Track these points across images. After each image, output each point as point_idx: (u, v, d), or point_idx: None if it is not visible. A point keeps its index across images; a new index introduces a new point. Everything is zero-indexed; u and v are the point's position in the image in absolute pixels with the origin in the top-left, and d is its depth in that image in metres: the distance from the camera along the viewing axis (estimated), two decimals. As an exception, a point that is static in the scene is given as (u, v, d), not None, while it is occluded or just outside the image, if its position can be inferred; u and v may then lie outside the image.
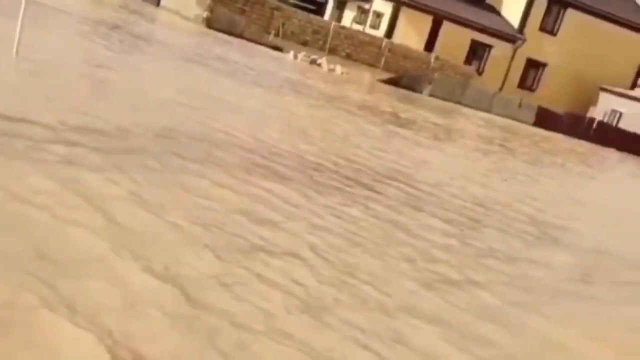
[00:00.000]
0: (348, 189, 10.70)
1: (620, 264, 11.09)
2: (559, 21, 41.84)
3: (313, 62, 26.89)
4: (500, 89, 40.34)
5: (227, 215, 7.26)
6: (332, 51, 34.36)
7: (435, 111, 26.10)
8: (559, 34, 42.03)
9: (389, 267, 7.49)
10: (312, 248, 7.26)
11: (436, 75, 31.82)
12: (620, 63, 43.88)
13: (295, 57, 26.84)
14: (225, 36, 27.52)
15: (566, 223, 13.22)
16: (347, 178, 11.46)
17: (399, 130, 18.51)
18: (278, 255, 6.60)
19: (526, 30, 41.17)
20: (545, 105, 36.76)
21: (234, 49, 24.70)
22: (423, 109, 25.56)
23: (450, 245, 9.36)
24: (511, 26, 41.07)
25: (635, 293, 9.60)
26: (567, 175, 20.89)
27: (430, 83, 30.86)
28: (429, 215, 10.57)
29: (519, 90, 40.87)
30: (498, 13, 41.48)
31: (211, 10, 28.32)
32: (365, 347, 5.39)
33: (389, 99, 25.53)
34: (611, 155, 33.35)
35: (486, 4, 41.61)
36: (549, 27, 41.90)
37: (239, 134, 11.99)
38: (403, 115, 21.99)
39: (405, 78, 30.59)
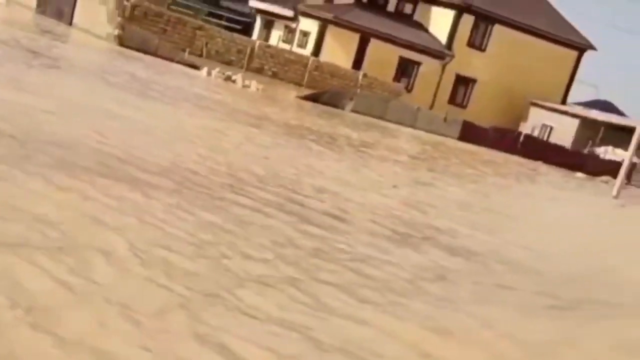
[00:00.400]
0: (216, 194, 10.41)
1: (495, 266, 10.91)
2: (486, 37, 42.08)
3: (228, 78, 26.61)
4: (431, 105, 40.38)
5: (35, 214, 6.89)
6: (259, 70, 34.19)
7: (353, 126, 25.96)
8: (488, 49, 42.27)
9: (213, 266, 7.19)
10: (131, 247, 6.93)
11: (358, 91, 31.74)
12: (550, 78, 44.25)
13: (209, 73, 26.54)
14: (138, 54, 27.15)
15: (452, 227, 13.05)
16: (222, 185, 11.17)
17: (301, 141, 18.29)
18: (77, 252, 6.25)
19: (454, 46, 41.34)
20: (477, 121, 36.86)
21: (144, 66, 24.35)
22: (340, 123, 25.40)
23: (307, 247, 9.10)
24: (439, 42, 41.22)
25: (496, 294, 9.40)
26: (477, 184, 20.80)
27: (352, 99, 30.73)
28: (298, 220, 10.31)
29: (450, 107, 40.91)
30: (426, 30, 41.61)
31: (122, 27, 27.95)
32: (143, 346, 5.05)
33: (304, 113, 25.35)
34: (537, 167, 33.50)
35: (413, 21, 41.72)
36: (477, 43, 42.13)
37: (109, 142, 11.66)
38: (314, 128, 21.80)
39: (326, 94, 30.44)
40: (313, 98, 29.71)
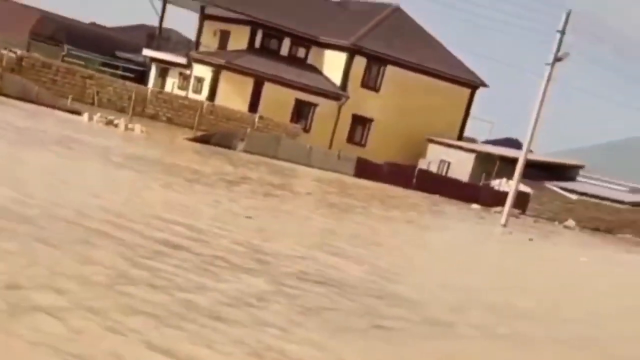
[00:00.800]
0: (32, 225, 9.65)
1: (337, 290, 10.37)
2: (379, 78, 42.26)
3: (109, 122, 25.79)
4: (330, 145, 40.13)
5: None
6: (154, 116, 33.60)
7: (240, 164, 25.36)
8: (382, 90, 42.40)
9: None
10: None
11: (248, 131, 31.26)
12: (446, 115, 44.50)
13: (91, 119, 25.69)
14: (17, 102, 26.18)
15: (308, 254, 12.50)
16: (44, 216, 10.42)
17: (169, 178, 17.61)
18: None
19: (349, 87, 41.32)
20: (377, 158, 36.79)
21: (22, 114, 23.39)
22: (226, 162, 24.77)
23: (125, 275, 8.43)
24: (334, 84, 41.23)
25: (324, 316, 8.87)
26: (357, 215, 20.36)
27: (243, 139, 30.24)
28: (127, 249, 9.64)
29: (349, 146, 40.77)
30: (320, 72, 41.65)
31: (0, 76, 27.03)
32: None
33: (189, 154, 24.70)
34: (432, 200, 33.40)
35: (307, 64, 41.74)
36: (371, 83, 42.24)
37: None
38: (193, 166, 21.15)
39: (216, 135, 29.90)
40: (203, 140, 29.10)
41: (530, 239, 26.16)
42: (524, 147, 30.95)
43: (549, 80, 28.36)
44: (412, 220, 23.69)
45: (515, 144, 52.57)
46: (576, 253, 25.16)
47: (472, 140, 47.55)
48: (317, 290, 10.09)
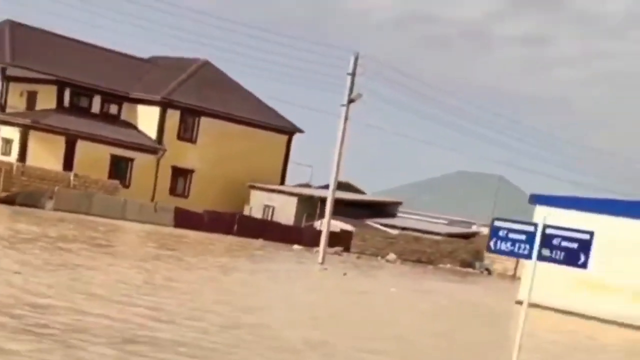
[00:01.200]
0: None
1: (72, 337, 9.40)
2: (195, 129, 41.69)
3: None
4: (152, 197, 38.86)
5: None
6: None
7: (43, 222, 23.81)
8: (199, 141, 41.83)
9: None
10: None
11: (57, 189, 29.67)
12: (266, 162, 44.26)
13: None
14: None
15: (70, 305, 11.45)
16: None
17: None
18: None
19: (165, 140, 40.49)
20: (202, 208, 36.03)
21: None
22: (26, 221, 23.16)
23: None
24: (150, 138, 40.28)
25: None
26: (158, 264, 19.38)
27: (51, 197, 28.62)
28: None
29: (172, 197, 39.71)
30: (134, 127, 40.62)
31: None
32: None
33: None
34: (253, 243, 32.88)
35: (121, 120, 40.66)
36: (187, 135, 41.58)
37: None
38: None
39: (20, 195, 28.17)
40: (7, 201, 27.32)
41: (345, 274, 25.98)
42: (331, 186, 31.04)
43: (346, 119, 28.73)
44: (223, 265, 22.91)
45: (347, 186, 53.31)
46: (388, 285, 25.16)
47: (307, 186, 47.34)
48: (69, 340, 9.10)
